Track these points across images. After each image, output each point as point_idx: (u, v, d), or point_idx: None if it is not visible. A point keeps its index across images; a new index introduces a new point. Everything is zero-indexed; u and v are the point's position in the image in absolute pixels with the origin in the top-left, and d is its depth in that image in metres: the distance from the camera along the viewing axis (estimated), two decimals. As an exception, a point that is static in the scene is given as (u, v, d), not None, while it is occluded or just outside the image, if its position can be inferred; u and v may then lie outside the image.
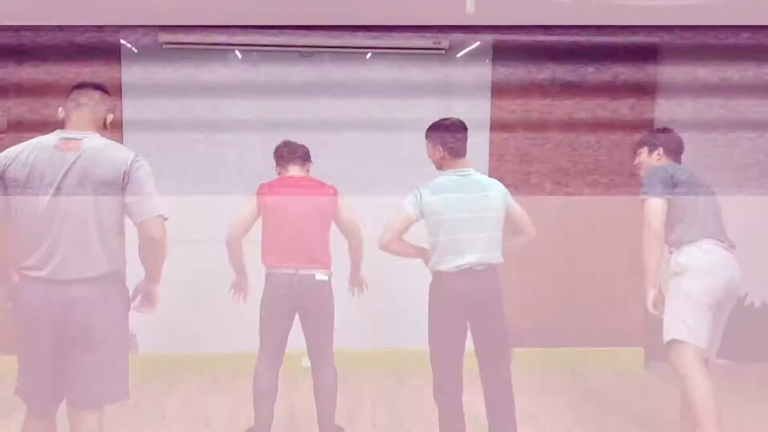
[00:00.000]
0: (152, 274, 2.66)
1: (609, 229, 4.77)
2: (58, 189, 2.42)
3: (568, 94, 4.66)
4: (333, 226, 3.42)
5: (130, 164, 2.47)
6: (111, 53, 4.37)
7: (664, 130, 3.55)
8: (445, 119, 3.12)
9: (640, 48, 4.63)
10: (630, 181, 4.76)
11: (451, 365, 3.07)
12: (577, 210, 4.74)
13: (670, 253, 3.23)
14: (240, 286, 3.49)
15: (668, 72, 4.74)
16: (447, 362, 3.08)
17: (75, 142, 2.46)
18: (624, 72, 4.67)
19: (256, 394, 3.34)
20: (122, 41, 4.37)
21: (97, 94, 2.60)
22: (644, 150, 3.43)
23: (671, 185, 3.17)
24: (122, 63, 4.39)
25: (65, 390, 2.55)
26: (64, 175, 2.42)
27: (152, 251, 2.56)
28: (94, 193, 2.43)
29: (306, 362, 3.49)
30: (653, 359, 4.89)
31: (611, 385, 4.48)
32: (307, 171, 3.47)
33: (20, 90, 4.34)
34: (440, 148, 3.06)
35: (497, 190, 3.08)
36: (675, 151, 3.41)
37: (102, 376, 2.53)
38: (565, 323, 4.81)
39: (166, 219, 2.54)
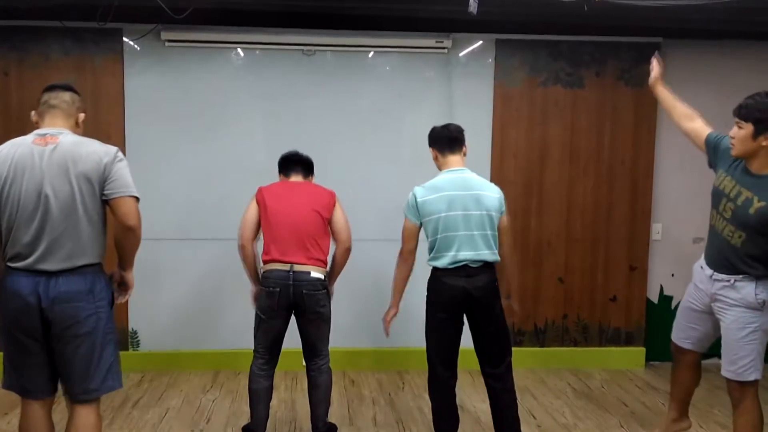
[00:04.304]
0: (128, 261, 2.70)
1: (611, 227, 4.77)
2: (39, 181, 2.45)
3: (570, 93, 4.65)
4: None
5: (113, 156, 2.53)
6: (114, 51, 4.38)
7: None
8: (441, 125, 3.29)
9: (643, 46, 4.62)
10: (632, 179, 4.76)
11: (445, 361, 3.13)
12: (579, 208, 4.73)
13: (754, 281, 2.87)
14: (256, 297, 3.37)
15: (671, 70, 4.73)
16: (441, 358, 3.13)
17: (51, 137, 2.51)
18: (627, 70, 4.66)
19: (251, 393, 3.37)
20: (125, 39, 4.38)
21: (66, 95, 2.64)
22: (749, 128, 2.74)
23: None
24: (125, 61, 4.40)
25: (59, 381, 2.58)
26: (44, 167, 2.46)
27: (127, 236, 2.58)
28: (76, 185, 2.47)
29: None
30: (654, 359, 4.90)
31: (612, 386, 4.48)
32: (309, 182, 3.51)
33: (22, 88, 4.34)
34: (434, 149, 3.23)
35: (494, 192, 3.15)
36: None
37: (92, 367, 2.54)
38: (566, 323, 4.81)
39: (138, 199, 2.57)
